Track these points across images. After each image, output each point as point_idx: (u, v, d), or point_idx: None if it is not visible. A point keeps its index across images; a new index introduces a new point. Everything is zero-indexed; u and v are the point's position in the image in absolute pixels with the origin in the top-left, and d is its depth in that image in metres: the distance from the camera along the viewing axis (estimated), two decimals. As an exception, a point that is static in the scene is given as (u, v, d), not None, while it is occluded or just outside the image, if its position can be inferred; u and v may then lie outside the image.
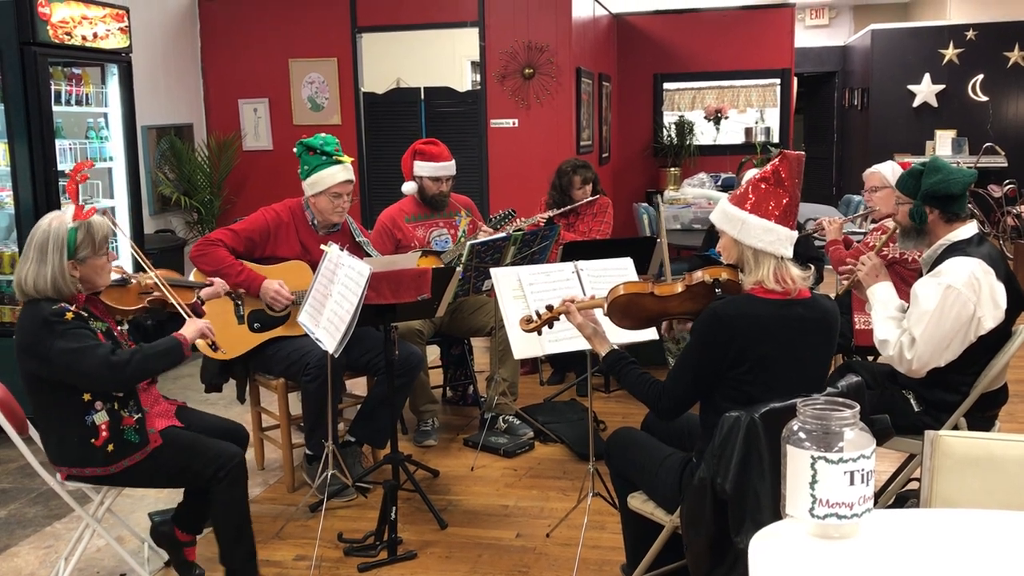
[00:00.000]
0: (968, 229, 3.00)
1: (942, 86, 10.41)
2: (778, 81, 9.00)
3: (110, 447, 2.78)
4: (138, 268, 3.23)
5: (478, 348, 5.49)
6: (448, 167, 4.58)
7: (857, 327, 3.93)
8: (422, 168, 4.55)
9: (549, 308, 2.86)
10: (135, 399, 2.84)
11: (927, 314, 2.87)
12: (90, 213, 2.80)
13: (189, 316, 2.95)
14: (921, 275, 3.06)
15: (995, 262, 2.94)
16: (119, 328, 2.94)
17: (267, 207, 3.96)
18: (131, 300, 2.98)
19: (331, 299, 3.18)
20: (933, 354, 2.90)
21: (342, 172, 3.84)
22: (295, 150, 3.91)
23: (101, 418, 2.77)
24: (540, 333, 2.95)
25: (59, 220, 2.76)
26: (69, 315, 2.69)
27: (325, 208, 3.88)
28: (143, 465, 2.83)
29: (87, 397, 2.75)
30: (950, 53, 10.36)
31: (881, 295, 3.15)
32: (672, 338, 2.98)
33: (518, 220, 4.73)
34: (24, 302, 2.76)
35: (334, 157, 3.84)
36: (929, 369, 2.94)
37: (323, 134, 3.92)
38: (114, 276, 2.93)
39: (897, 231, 3.24)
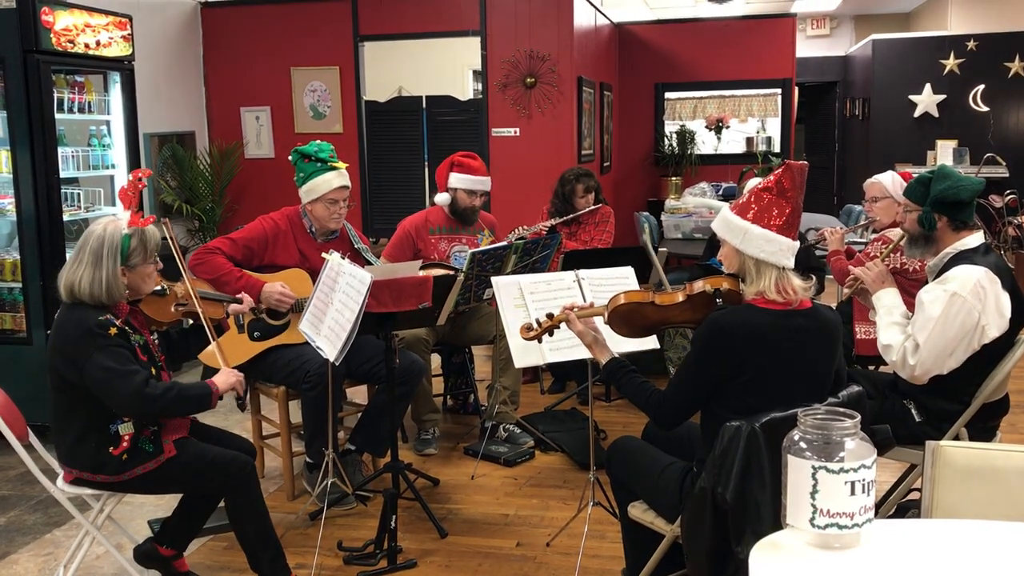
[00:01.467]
0: (975, 238, 3.00)
1: (943, 96, 10.42)
2: (779, 91, 9.02)
3: (124, 456, 2.78)
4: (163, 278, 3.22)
5: (479, 357, 5.49)
6: (484, 182, 4.61)
7: (858, 336, 3.92)
8: (458, 180, 4.56)
9: (549, 316, 2.86)
10: None
11: (932, 320, 2.87)
12: (147, 222, 2.81)
13: (211, 333, 2.97)
14: (925, 284, 3.06)
15: (1001, 272, 2.93)
16: (152, 338, 2.95)
17: (265, 215, 3.96)
18: (167, 312, 3.01)
19: (332, 307, 3.18)
20: (936, 361, 2.90)
21: (337, 178, 3.84)
22: (290, 158, 3.91)
23: (126, 429, 2.77)
24: (540, 341, 2.95)
25: (114, 225, 2.76)
26: (113, 330, 2.69)
27: (322, 215, 3.88)
28: (155, 474, 2.83)
29: None
30: (951, 63, 10.37)
31: (886, 301, 3.16)
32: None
33: (520, 228, 4.74)
34: (67, 303, 2.75)
35: (329, 164, 3.84)
36: (931, 376, 2.94)
37: (318, 141, 3.93)
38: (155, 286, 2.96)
39: (903, 240, 3.24)
